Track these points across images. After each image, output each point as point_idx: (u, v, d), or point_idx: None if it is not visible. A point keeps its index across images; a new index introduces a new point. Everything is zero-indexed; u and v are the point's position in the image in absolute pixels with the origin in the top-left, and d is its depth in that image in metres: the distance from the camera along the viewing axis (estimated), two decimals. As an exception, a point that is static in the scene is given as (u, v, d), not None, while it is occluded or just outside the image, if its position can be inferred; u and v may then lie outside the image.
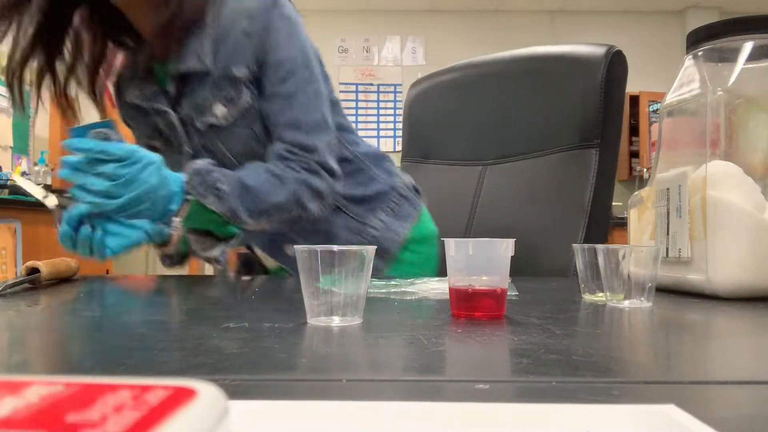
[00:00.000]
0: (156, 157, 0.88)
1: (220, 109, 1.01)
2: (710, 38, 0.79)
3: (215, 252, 1.05)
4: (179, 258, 1.09)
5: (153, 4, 0.98)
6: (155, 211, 0.87)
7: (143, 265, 5.79)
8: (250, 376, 0.35)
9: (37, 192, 0.99)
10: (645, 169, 5.83)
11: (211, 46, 1.00)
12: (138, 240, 0.95)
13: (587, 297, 0.69)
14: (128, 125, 1.14)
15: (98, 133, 0.83)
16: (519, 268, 0.70)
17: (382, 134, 5.70)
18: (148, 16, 0.99)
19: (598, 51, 1.23)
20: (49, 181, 4.51)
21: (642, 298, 0.64)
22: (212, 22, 1.00)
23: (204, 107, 1.01)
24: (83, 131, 0.84)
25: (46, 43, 0.98)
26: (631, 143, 6.19)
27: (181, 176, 0.92)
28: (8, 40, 0.95)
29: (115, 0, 0.98)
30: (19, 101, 0.98)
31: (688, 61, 0.82)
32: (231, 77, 1.00)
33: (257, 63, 1.01)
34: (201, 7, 1.00)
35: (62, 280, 0.87)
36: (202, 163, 0.96)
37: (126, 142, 0.87)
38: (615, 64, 1.21)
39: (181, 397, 0.18)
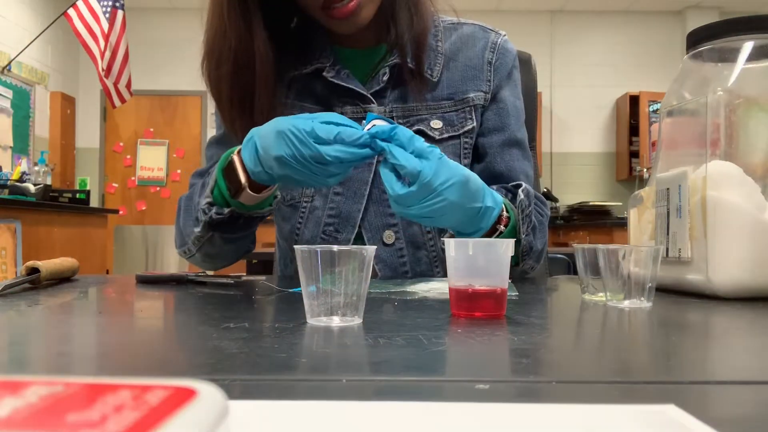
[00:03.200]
0: None
1: (436, 123, 1.00)
2: (710, 38, 0.79)
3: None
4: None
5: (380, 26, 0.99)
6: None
7: (143, 265, 5.78)
8: (250, 376, 0.35)
9: None
10: (645, 169, 5.83)
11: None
12: None
13: (587, 297, 0.69)
14: None
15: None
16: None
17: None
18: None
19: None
20: (49, 181, 4.50)
21: (642, 298, 0.64)
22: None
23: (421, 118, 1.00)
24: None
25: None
26: (631, 143, 6.18)
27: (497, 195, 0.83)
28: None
29: (348, 29, 0.94)
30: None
31: (688, 61, 0.82)
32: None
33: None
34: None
35: (62, 280, 0.87)
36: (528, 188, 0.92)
37: None
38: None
39: (181, 397, 0.18)
